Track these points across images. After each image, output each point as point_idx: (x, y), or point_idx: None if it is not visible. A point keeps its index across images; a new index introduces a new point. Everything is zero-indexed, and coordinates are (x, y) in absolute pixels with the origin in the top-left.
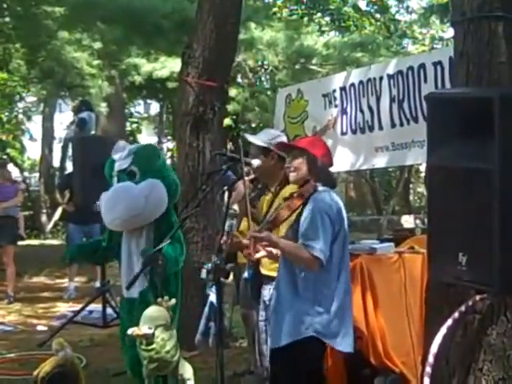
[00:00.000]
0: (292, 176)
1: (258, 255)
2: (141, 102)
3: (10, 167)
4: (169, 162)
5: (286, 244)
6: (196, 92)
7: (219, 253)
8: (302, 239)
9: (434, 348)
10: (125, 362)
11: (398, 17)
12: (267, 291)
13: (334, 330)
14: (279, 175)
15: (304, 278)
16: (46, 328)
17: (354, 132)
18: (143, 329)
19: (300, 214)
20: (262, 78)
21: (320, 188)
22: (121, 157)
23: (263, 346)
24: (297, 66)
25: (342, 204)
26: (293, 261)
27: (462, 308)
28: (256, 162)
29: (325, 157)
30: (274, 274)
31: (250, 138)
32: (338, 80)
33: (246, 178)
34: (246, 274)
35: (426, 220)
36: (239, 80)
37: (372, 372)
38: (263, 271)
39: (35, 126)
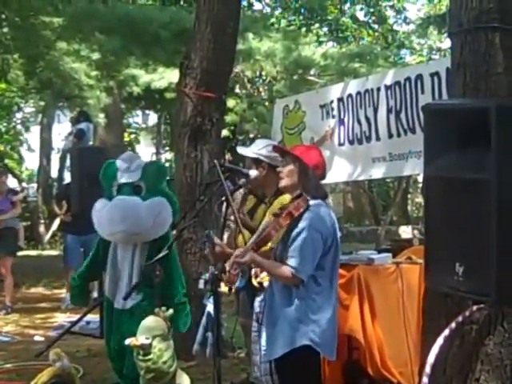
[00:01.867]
0: (281, 182)
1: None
2: (139, 112)
3: (8, 178)
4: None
5: (269, 265)
6: (194, 103)
7: (216, 263)
8: (288, 257)
9: (431, 358)
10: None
11: (395, 27)
12: (257, 303)
13: (328, 338)
14: (273, 185)
15: (297, 287)
16: (43, 338)
17: (351, 143)
18: (140, 339)
19: (291, 230)
20: (260, 89)
21: (312, 202)
22: (128, 168)
23: (256, 356)
24: (295, 77)
25: (334, 216)
26: (276, 279)
27: (459, 318)
28: (253, 173)
29: (317, 168)
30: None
31: (240, 150)
32: (335, 91)
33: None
34: (238, 283)
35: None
36: (237, 91)
37: (369, 382)
38: (255, 282)
39: (33, 136)
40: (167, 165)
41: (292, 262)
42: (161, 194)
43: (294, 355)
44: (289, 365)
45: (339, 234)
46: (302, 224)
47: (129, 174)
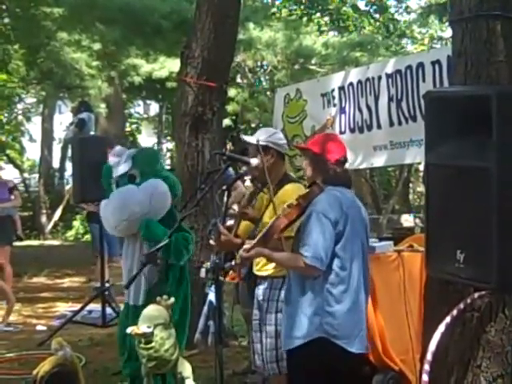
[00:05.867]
0: (305, 176)
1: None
2: (140, 102)
3: (10, 168)
4: (168, 162)
5: (279, 256)
6: (195, 92)
7: (218, 252)
8: (299, 247)
9: (432, 346)
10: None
11: (397, 16)
12: (261, 291)
13: (346, 330)
14: (278, 173)
15: (313, 278)
16: (45, 328)
17: (352, 131)
18: (142, 328)
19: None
20: (261, 78)
21: (327, 188)
22: (119, 162)
23: (257, 344)
24: (296, 66)
25: (351, 200)
26: (290, 269)
27: (461, 305)
28: (255, 162)
29: (327, 153)
30: (266, 273)
31: (247, 138)
32: (336, 79)
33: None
34: (243, 271)
35: None
36: (238, 80)
37: (371, 369)
38: (256, 271)
39: (35, 127)
40: (168, 154)
41: (303, 250)
42: (156, 177)
43: (310, 347)
44: (305, 356)
45: (364, 220)
46: (309, 211)
47: (121, 167)
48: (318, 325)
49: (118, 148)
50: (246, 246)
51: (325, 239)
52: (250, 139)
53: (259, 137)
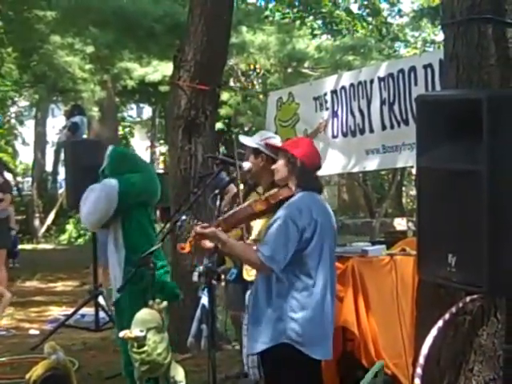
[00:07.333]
0: (275, 177)
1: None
2: (133, 106)
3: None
4: (161, 165)
5: (234, 245)
6: (188, 96)
7: (211, 256)
8: (260, 243)
9: (424, 349)
10: (119, 365)
11: (389, 20)
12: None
13: (310, 337)
14: (268, 177)
15: (278, 284)
16: (38, 332)
17: (344, 135)
18: (134, 331)
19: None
20: (254, 82)
21: (299, 193)
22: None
23: (245, 349)
24: (289, 70)
25: (322, 207)
26: (243, 262)
27: (453, 309)
28: (247, 165)
29: (306, 158)
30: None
31: (242, 139)
32: (329, 83)
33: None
34: (229, 277)
35: None
36: (231, 84)
37: (364, 374)
38: (246, 277)
39: (28, 130)
40: (162, 158)
41: (263, 249)
42: (116, 176)
43: (274, 352)
44: (270, 361)
45: (333, 227)
46: (279, 213)
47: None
48: (282, 330)
49: (109, 147)
50: (204, 224)
51: (286, 244)
52: (244, 140)
53: (255, 139)
